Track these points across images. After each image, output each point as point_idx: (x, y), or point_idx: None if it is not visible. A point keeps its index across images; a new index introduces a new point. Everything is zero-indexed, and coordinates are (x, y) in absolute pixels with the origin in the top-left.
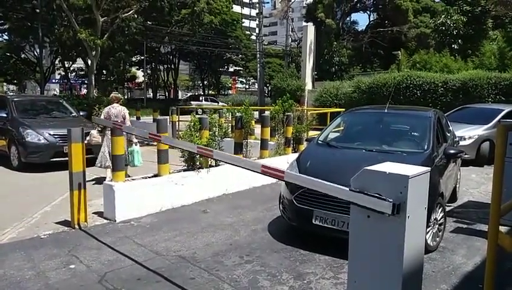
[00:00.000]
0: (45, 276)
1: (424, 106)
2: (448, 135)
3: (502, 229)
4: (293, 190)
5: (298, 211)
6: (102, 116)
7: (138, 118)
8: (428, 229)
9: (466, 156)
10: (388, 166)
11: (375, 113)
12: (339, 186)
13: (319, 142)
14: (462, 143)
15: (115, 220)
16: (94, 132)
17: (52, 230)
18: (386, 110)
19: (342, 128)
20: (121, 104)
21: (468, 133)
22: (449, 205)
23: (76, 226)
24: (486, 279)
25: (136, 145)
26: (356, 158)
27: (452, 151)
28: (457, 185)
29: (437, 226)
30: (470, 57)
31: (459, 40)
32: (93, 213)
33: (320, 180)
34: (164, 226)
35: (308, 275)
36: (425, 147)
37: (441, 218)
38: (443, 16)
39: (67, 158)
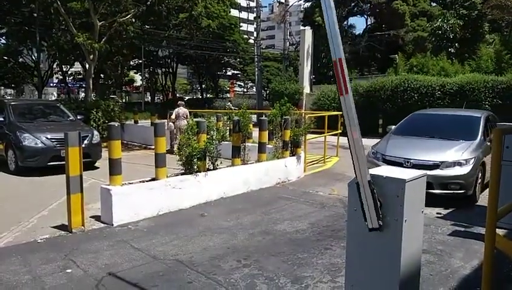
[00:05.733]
0: (41, 280)
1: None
2: None
3: (500, 232)
4: None
5: None
6: (173, 115)
7: (136, 122)
8: None
9: (461, 191)
10: (385, 170)
11: None
12: None
13: None
14: (456, 172)
15: (113, 224)
16: (171, 123)
17: (49, 234)
18: None
19: None
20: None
21: (462, 155)
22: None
23: (74, 230)
24: (484, 282)
25: None
26: None
27: None
28: None
29: None
30: (466, 60)
31: (456, 44)
32: (90, 217)
33: None
34: (161, 230)
35: (305, 278)
36: None
37: None
38: (440, 20)
39: (64, 162)
